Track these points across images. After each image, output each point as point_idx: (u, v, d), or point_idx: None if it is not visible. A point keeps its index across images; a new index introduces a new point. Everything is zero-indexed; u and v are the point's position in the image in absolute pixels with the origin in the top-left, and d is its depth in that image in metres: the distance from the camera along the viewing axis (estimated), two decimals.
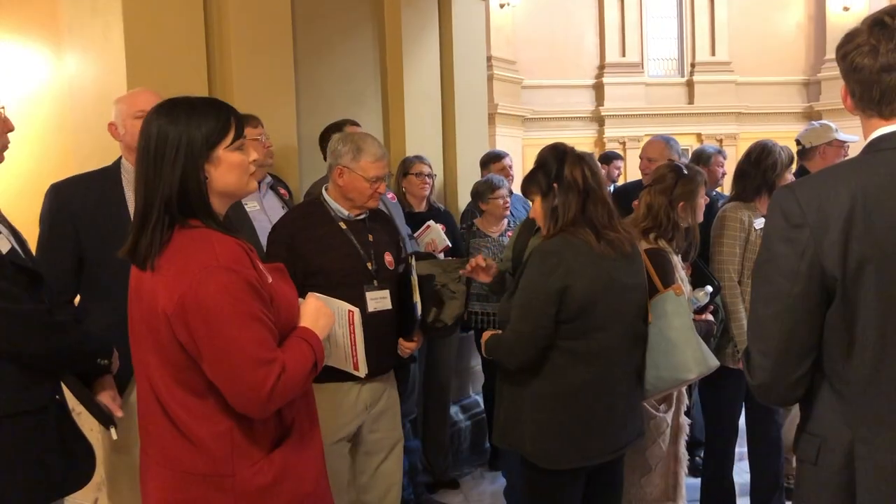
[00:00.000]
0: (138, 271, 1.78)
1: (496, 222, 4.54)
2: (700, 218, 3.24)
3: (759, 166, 3.58)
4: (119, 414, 2.19)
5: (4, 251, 1.99)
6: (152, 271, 1.72)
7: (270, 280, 1.80)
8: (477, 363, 4.94)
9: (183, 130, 1.74)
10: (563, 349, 2.48)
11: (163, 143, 1.73)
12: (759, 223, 3.55)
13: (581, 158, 2.55)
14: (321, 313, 1.91)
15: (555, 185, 2.52)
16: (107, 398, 2.20)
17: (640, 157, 4.79)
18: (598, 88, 16.03)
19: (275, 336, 1.73)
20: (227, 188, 1.80)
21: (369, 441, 2.96)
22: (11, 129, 2.15)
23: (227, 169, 1.78)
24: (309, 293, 1.97)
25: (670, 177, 3.13)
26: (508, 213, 4.56)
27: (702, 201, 3.21)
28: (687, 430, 3.23)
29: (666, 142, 4.71)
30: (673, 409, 3.13)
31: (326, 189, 2.95)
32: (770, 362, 1.59)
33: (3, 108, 2.13)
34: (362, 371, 2.14)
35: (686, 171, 3.17)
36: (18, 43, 3.85)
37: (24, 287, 2.03)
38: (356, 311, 2.07)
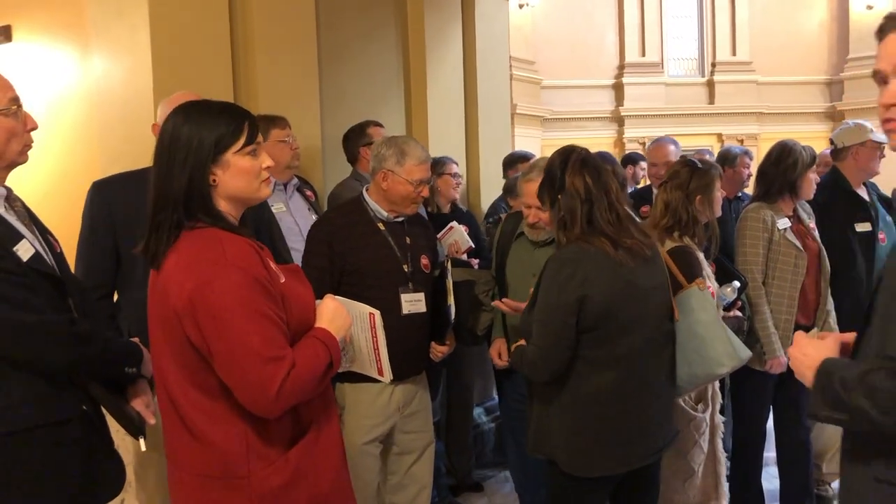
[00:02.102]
0: (154, 271, 1.80)
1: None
2: (718, 212, 3.21)
3: (778, 166, 3.55)
4: (151, 421, 2.15)
5: (26, 258, 1.93)
6: (160, 270, 1.76)
7: (283, 280, 1.80)
8: None
9: (195, 131, 1.76)
10: (585, 357, 2.43)
11: (175, 142, 1.76)
12: (783, 224, 3.51)
13: (584, 164, 2.47)
14: (338, 314, 1.90)
15: (559, 195, 2.48)
16: (140, 405, 2.15)
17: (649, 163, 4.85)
18: (618, 88, 15.94)
19: (285, 334, 1.73)
20: (236, 193, 1.80)
21: (402, 442, 2.97)
22: (34, 128, 2.08)
23: (235, 173, 1.78)
24: (326, 295, 1.96)
25: (685, 172, 3.12)
26: None
27: (719, 195, 3.18)
28: (723, 427, 3.18)
29: (673, 143, 4.76)
30: (710, 408, 3.09)
31: (367, 189, 2.96)
32: None
33: (21, 105, 2.04)
34: (387, 377, 2.10)
35: (700, 165, 3.15)
36: (45, 45, 3.87)
37: (47, 295, 1.97)
38: (377, 313, 2.05)
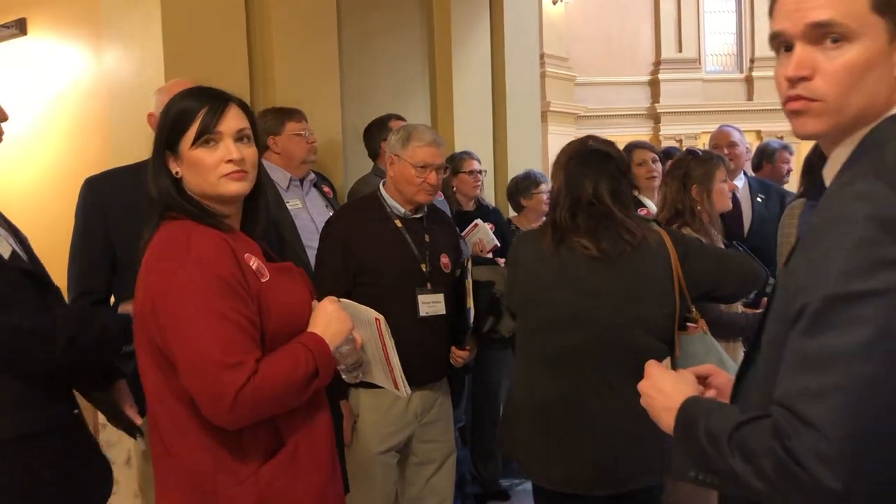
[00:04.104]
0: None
1: (537, 219, 4.38)
2: (725, 206, 3.04)
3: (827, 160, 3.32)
4: (139, 421, 2.05)
5: (6, 255, 1.82)
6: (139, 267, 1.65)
7: (266, 279, 1.64)
8: None
9: (161, 119, 1.67)
10: (526, 352, 2.41)
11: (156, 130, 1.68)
12: None
13: (567, 161, 2.39)
14: (334, 318, 1.71)
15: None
16: (126, 405, 2.05)
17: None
18: (654, 85, 15.69)
19: (251, 338, 1.56)
20: (196, 187, 1.65)
21: (420, 451, 2.82)
22: (4, 119, 1.93)
23: (189, 167, 1.64)
24: (326, 297, 1.78)
25: (684, 161, 3.03)
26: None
27: (722, 186, 3.02)
28: None
29: (737, 130, 4.59)
30: None
31: (384, 184, 2.82)
32: (868, 456, 0.97)
33: None
34: (403, 390, 1.89)
35: (700, 154, 3.04)
36: (59, 37, 3.80)
37: (32, 294, 1.86)
38: (382, 318, 1.84)
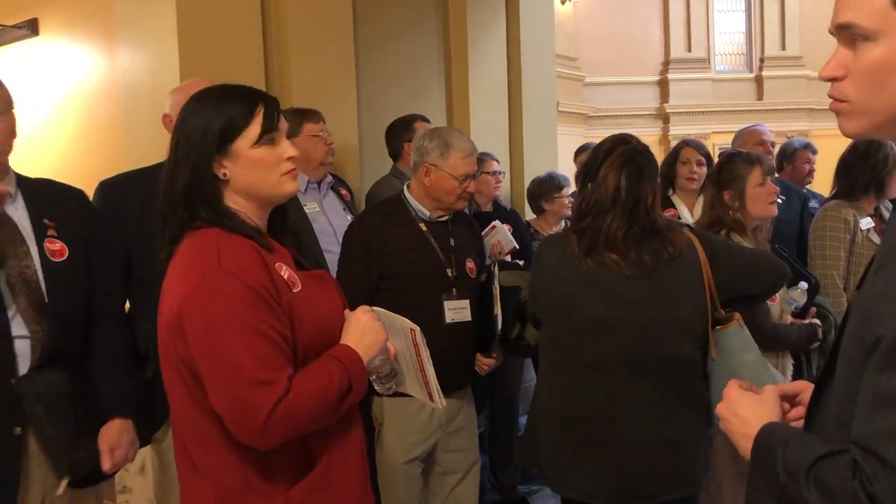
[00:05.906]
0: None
1: (557, 223, 4.33)
2: (766, 211, 2.88)
3: (867, 161, 3.25)
4: (105, 467, 2.08)
5: None
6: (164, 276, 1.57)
7: (298, 289, 1.56)
8: None
9: (201, 121, 1.55)
10: (552, 360, 2.33)
11: (181, 134, 1.57)
12: (866, 224, 3.22)
13: (628, 161, 2.24)
14: (368, 329, 1.63)
15: (589, 184, 2.29)
16: (105, 444, 2.09)
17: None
18: (663, 85, 15.59)
19: (283, 353, 1.48)
20: (251, 188, 1.58)
21: (445, 460, 2.75)
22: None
23: (247, 166, 1.56)
24: (360, 307, 1.70)
25: (719, 165, 2.93)
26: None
27: (758, 190, 2.83)
28: None
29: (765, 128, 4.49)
30: None
31: (409, 187, 2.75)
32: None
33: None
34: (438, 403, 1.82)
35: (737, 157, 2.92)
36: (72, 38, 3.74)
37: None
38: (418, 329, 1.76)
